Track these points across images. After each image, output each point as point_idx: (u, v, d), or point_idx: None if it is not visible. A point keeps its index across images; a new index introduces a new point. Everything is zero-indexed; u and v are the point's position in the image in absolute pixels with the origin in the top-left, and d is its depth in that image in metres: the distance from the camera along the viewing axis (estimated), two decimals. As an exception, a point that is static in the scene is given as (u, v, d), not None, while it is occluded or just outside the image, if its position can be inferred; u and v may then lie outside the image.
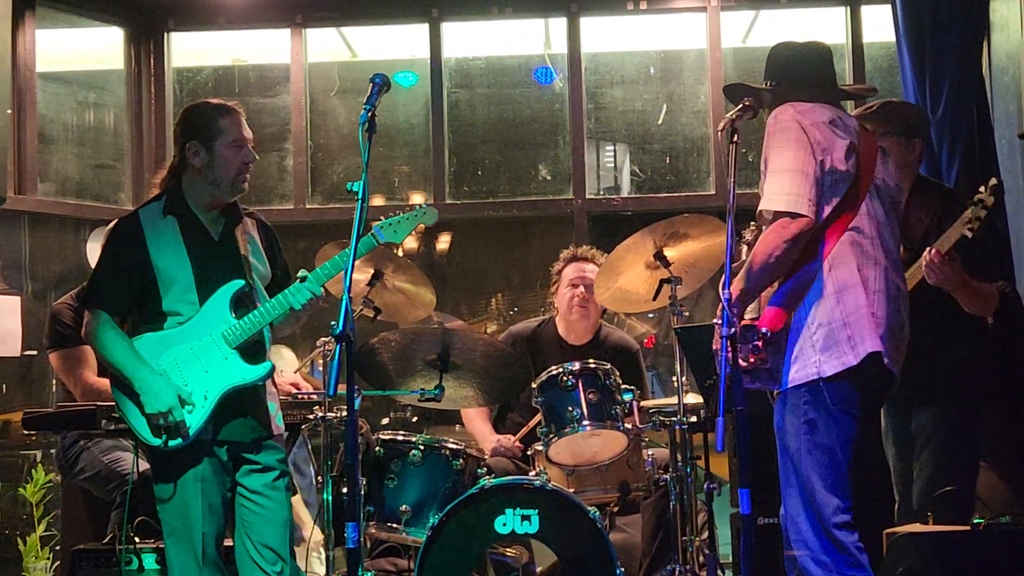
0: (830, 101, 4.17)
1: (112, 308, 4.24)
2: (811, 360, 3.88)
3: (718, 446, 3.57)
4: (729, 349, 3.57)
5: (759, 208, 3.94)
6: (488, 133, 8.27)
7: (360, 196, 3.56)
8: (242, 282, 4.24)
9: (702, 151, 7.92)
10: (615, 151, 8.43)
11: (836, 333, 3.87)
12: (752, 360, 3.86)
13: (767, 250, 3.85)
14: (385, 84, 3.71)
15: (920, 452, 4.84)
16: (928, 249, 4.56)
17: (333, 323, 3.49)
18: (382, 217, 4.37)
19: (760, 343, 3.86)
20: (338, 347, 3.43)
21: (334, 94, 8.25)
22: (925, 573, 4.20)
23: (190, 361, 4.17)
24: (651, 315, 7.33)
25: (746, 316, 3.94)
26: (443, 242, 8.58)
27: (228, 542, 4.34)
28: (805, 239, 3.88)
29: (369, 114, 3.63)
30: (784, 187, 3.86)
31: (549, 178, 8.13)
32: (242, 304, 4.25)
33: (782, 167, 3.89)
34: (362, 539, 5.00)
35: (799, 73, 4.22)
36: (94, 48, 8.18)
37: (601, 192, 8.14)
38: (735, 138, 3.90)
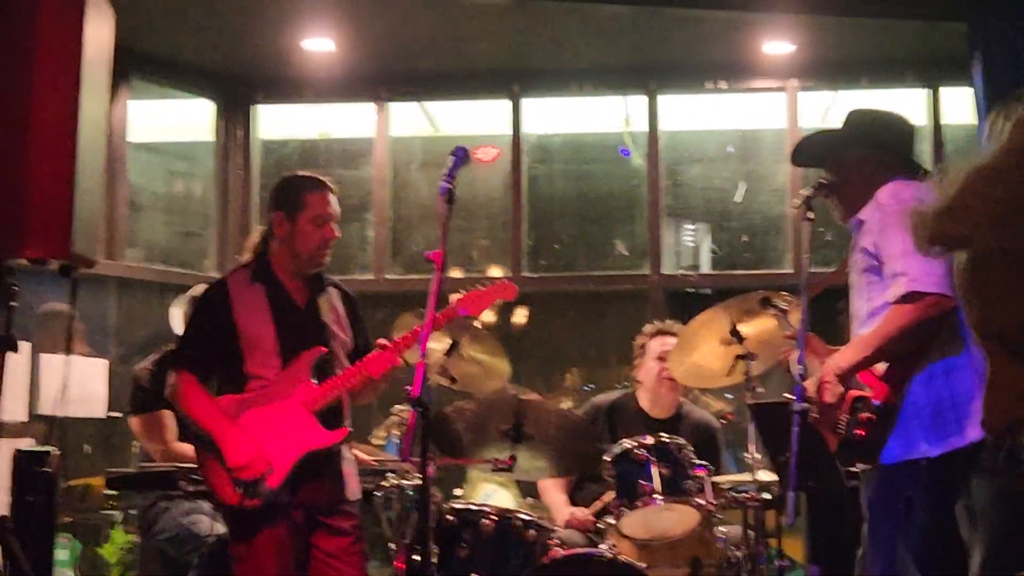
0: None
1: (197, 369, 4.34)
2: (916, 438, 3.81)
3: (788, 521, 3.55)
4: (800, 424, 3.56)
5: (904, 291, 3.77)
6: (566, 208, 8.35)
7: (439, 266, 3.63)
8: (324, 349, 4.32)
9: (780, 230, 7.93)
10: (696, 228, 8.47)
11: (944, 413, 3.80)
12: (861, 433, 3.79)
13: (903, 326, 3.76)
14: (465, 157, 3.78)
15: (978, 527, 4.77)
16: None
17: (408, 387, 3.53)
18: (461, 291, 4.44)
19: (872, 416, 3.83)
20: (414, 413, 3.48)
21: (416, 167, 8.38)
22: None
23: (269, 424, 4.25)
24: (728, 395, 7.31)
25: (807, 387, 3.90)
26: (520, 315, 8.63)
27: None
28: (944, 322, 3.82)
29: (449, 186, 3.70)
30: (926, 268, 3.74)
31: (626, 254, 8.18)
32: (323, 370, 4.32)
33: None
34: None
35: (891, 143, 4.18)
36: (185, 119, 8.40)
37: (680, 269, 8.17)
38: (810, 215, 3.91)
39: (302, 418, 4.26)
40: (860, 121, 4.29)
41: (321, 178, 4.48)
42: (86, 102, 3.41)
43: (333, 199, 4.44)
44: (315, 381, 4.29)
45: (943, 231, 1.17)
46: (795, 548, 5.88)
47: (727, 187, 8.22)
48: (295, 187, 4.44)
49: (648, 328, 6.13)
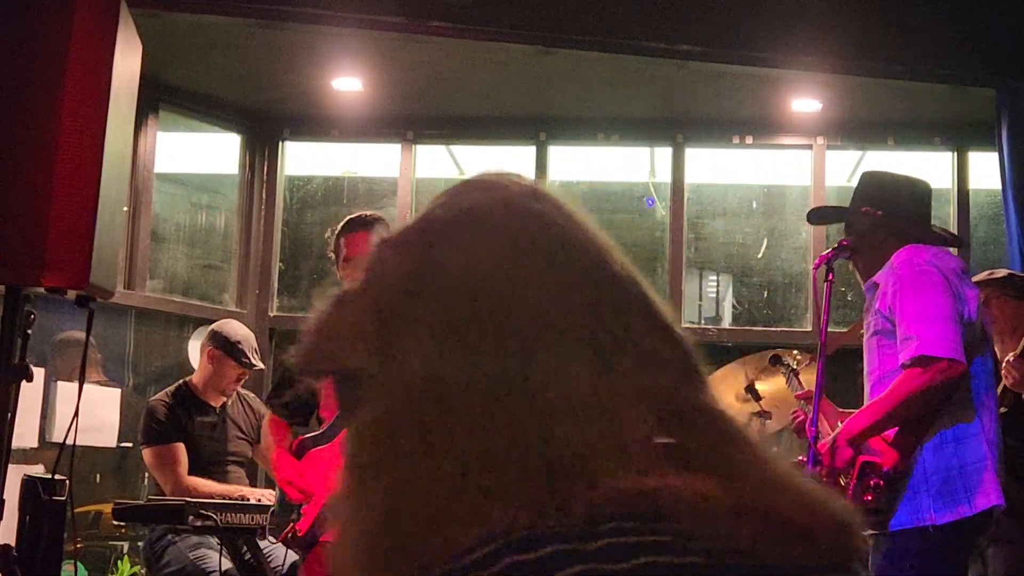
0: (946, 245, 4.16)
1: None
2: (925, 505, 3.79)
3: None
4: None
5: (915, 354, 3.77)
6: (588, 256, 8.32)
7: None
8: None
9: (800, 287, 7.91)
10: (718, 281, 8.45)
11: (953, 481, 3.78)
12: (869, 499, 3.78)
13: (913, 389, 3.75)
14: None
15: None
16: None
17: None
18: None
19: (881, 483, 3.80)
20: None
21: (439, 210, 8.38)
22: None
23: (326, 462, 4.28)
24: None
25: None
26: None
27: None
28: (955, 387, 3.82)
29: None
30: (939, 333, 3.77)
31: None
32: None
33: (934, 313, 3.81)
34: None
35: (906, 207, 4.18)
36: (211, 152, 8.44)
37: (702, 322, 8.14)
38: (829, 276, 3.91)
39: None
40: (874, 184, 4.30)
41: (361, 217, 4.54)
42: (111, 133, 3.43)
43: (370, 238, 4.45)
44: None
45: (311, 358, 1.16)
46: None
47: (749, 242, 8.21)
48: (339, 230, 4.53)
49: None
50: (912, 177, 4.33)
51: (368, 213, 4.75)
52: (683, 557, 0.96)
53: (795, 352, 5.05)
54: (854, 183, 7.17)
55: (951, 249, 5.10)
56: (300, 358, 1.14)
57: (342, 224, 4.58)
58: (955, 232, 7.03)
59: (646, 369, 1.07)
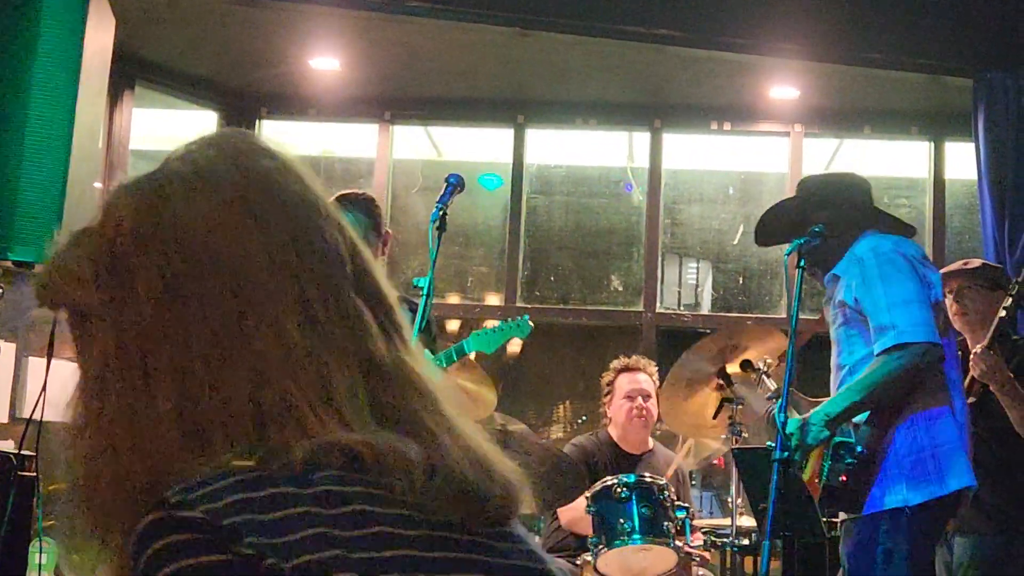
0: (903, 233, 4.18)
1: None
2: (898, 487, 3.81)
3: (762, 568, 3.54)
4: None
5: (893, 343, 3.79)
6: (564, 240, 8.34)
7: (425, 292, 3.61)
8: None
9: (776, 274, 7.92)
10: (698, 268, 8.46)
11: (925, 463, 3.81)
12: (844, 480, 3.79)
13: (891, 372, 3.78)
14: (459, 185, 3.77)
15: None
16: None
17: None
18: (475, 328, 4.35)
19: (855, 463, 3.80)
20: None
21: (416, 191, 8.38)
22: None
23: None
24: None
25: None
26: (513, 344, 8.61)
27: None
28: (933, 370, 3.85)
29: (441, 212, 3.68)
30: (914, 318, 3.80)
31: (621, 289, 8.17)
32: None
33: (905, 298, 3.83)
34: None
35: (855, 200, 4.20)
36: (188, 129, 8.39)
37: (681, 308, 8.16)
38: (801, 263, 3.92)
39: None
40: (816, 186, 4.34)
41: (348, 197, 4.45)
42: (82, 108, 3.41)
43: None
44: None
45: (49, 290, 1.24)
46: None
47: (725, 228, 8.21)
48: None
49: (615, 364, 6.10)
50: (848, 172, 4.40)
51: (358, 192, 4.69)
52: (389, 508, 1.09)
53: (766, 357, 5.08)
54: (832, 170, 7.19)
55: None
56: (37, 290, 1.22)
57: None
58: (927, 222, 7.07)
59: (352, 329, 1.18)
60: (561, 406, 8.70)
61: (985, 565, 4.70)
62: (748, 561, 5.09)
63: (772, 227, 4.35)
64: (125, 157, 7.47)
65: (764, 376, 4.93)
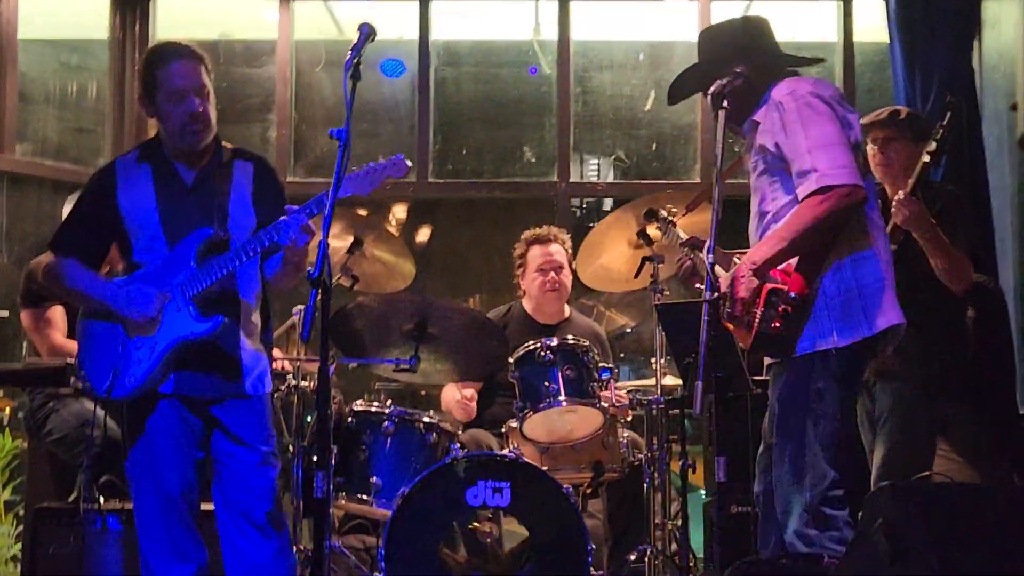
0: (809, 65, 4.17)
1: (78, 254, 4.09)
2: (827, 329, 3.81)
3: (695, 411, 3.53)
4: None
5: (816, 186, 3.75)
6: (474, 112, 8.23)
7: (342, 143, 3.49)
8: (210, 231, 4.01)
9: (689, 139, 7.88)
10: (604, 136, 8.41)
11: (852, 303, 3.82)
12: (778, 326, 3.77)
13: (817, 217, 3.74)
14: (371, 34, 3.61)
15: (878, 431, 4.81)
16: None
17: (310, 268, 3.36)
18: (354, 168, 4.11)
19: (789, 308, 3.78)
20: (313, 293, 3.32)
21: (320, 68, 8.19)
22: (903, 521, 4.13)
23: None
24: (629, 303, 7.28)
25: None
26: (423, 234, 8.53)
27: (208, 506, 4.19)
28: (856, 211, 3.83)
29: (355, 62, 3.56)
30: (836, 160, 3.76)
31: (534, 160, 8.09)
32: (213, 254, 3.99)
33: (826, 141, 3.79)
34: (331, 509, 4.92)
35: (760, 43, 4.13)
36: (80, 14, 8.09)
37: (592, 176, 8.11)
38: (725, 104, 3.86)
39: (177, 305, 3.96)
40: (719, 35, 4.28)
41: (179, 45, 4.10)
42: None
43: (192, 67, 4.07)
44: (197, 265, 3.97)
45: None
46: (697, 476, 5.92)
47: (636, 96, 8.14)
48: (147, 65, 4.12)
49: (526, 235, 6.04)
50: (745, 16, 4.34)
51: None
52: None
53: (668, 205, 5.04)
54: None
55: None
56: None
57: (157, 56, 4.16)
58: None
59: None
60: (475, 280, 8.66)
61: (905, 411, 4.75)
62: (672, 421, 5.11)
63: (683, 82, 4.28)
64: (13, 40, 7.17)
65: (670, 225, 4.91)
